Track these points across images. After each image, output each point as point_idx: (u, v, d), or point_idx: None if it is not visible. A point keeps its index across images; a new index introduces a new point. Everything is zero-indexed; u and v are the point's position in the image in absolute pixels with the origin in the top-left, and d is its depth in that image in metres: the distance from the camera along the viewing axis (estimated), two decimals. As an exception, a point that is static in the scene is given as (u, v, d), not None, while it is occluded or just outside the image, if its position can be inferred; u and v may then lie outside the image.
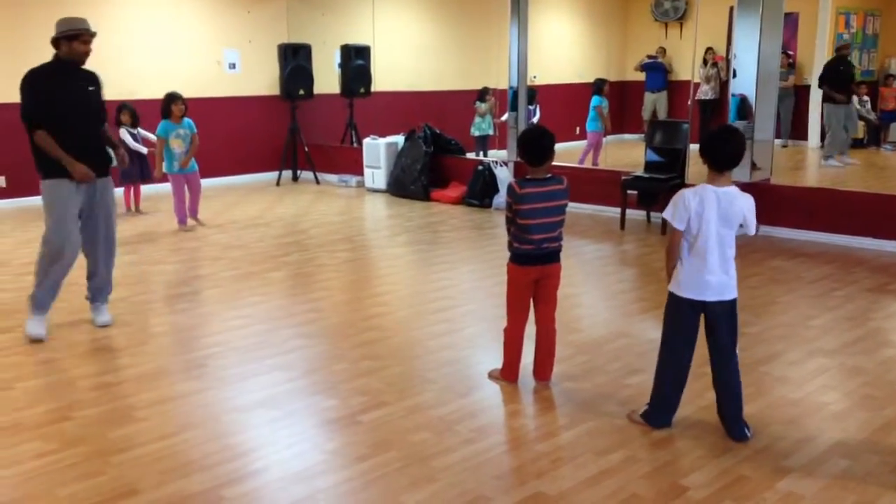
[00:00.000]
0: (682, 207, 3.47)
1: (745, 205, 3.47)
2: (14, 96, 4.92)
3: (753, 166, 7.75)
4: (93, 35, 4.95)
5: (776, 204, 7.68)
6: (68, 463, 3.39)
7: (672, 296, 3.60)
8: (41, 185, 4.92)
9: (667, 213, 3.53)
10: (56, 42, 4.93)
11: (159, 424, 3.78)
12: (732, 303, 3.55)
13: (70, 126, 4.89)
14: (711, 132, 3.54)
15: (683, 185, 7.55)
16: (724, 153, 3.44)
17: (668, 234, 3.57)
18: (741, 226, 3.52)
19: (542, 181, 3.97)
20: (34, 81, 4.87)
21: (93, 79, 5.07)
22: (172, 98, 7.87)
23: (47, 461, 3.41)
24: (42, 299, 4.99)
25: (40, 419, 3.82)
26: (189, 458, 3.44)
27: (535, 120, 10.82)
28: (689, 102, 12.21)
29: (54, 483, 3.23)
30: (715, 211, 3.44)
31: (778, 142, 10.06)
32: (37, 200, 5.21)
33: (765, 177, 7.91)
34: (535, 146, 3.95)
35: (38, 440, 3.59)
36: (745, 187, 4.00)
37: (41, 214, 4.96)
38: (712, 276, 3.48)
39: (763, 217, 7.62)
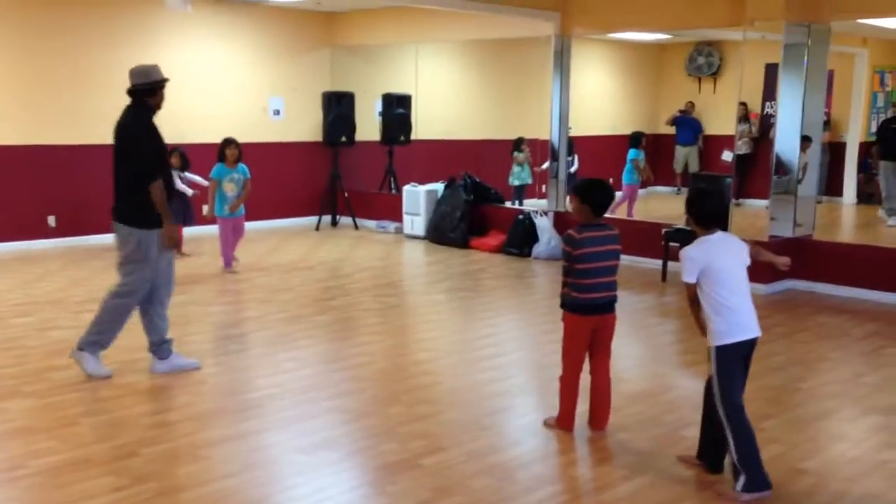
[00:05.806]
0: (689, 262, 3.63)
1: (735, 238, 3.70)
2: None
3: (796, 222, 7.79)
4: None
5: (819, 260, 7.70)
6: (142, 498, 3.46)
7: (720, 349, 3.61)
8: (136, 234, 4.82)
9: (683, 277, 3.66)
10: (143, 91, 4.95)
11: (223, 463, 3.84)
12: None
13: (168, 178, 5.04)
14: (696, 193, 3.86)
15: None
16: (711, 213, 3.68)
17: (686, 293, 3.73)
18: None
19: (597, 226, 4.15)
20: (153, 130, 4.93)
21: None
22: (227, 143, 8.07)
23: (122, 496, 3.48)
24: (108, 342, 5.05)
25: (109, 454, 3.90)
26: (253, 497, 3.50)
27: (573, 170, 10.95)
28: (721, 157, 12.32)
29: (128, 518, 3.30)
30: (721, 250, 3.62)
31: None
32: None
33: (807, 233, 7.95)
34: (601, 197, 4.13)
35: (111, 475, 3.67)
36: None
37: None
38: (748, 311, 3.62)
39: (806, 272, 7.75)
